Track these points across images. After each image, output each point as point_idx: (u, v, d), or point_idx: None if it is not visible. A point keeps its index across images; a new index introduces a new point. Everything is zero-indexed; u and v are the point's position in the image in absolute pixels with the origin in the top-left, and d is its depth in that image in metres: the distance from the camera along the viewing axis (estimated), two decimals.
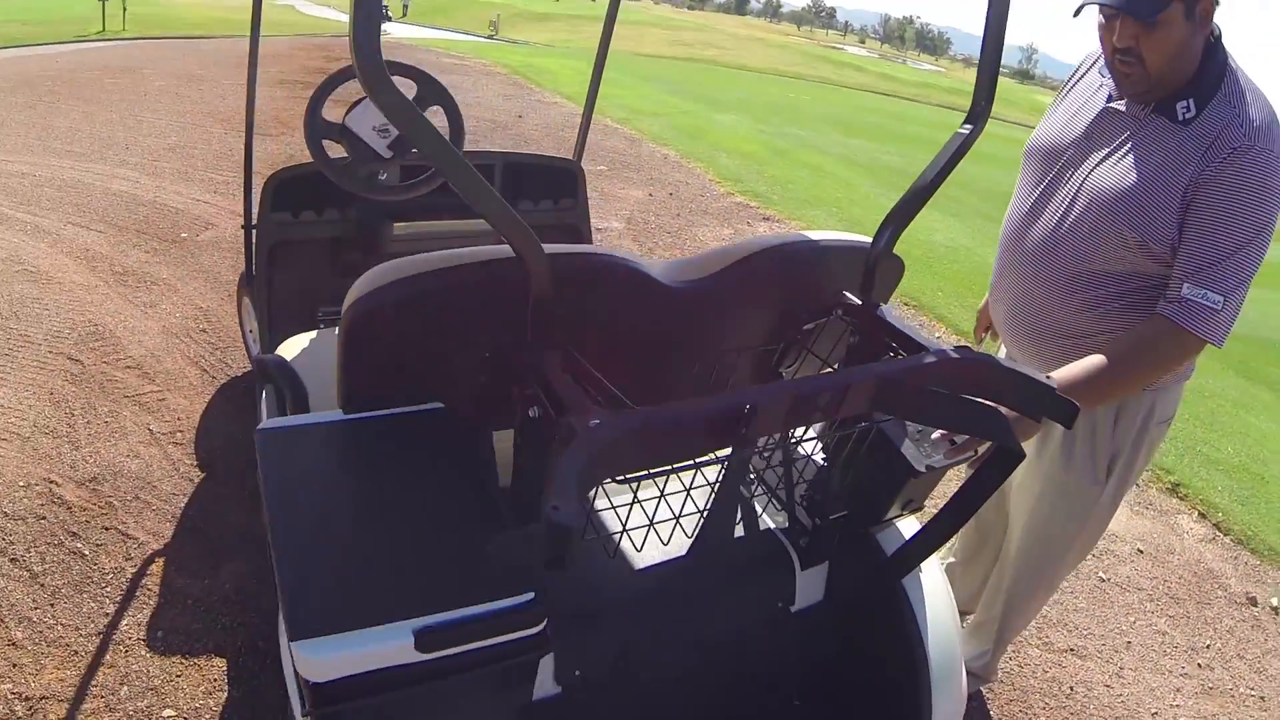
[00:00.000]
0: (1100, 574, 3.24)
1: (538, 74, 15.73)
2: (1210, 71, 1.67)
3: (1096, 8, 1.67)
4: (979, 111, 1.42)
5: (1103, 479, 1.99)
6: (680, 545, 1.59)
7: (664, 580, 1.62)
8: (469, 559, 1.03)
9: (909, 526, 1.76)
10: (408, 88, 2.37)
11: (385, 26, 34.64)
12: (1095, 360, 1.69)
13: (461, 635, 1.00)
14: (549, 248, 1.21)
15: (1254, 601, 3.30)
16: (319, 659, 0.95)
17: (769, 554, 1.73)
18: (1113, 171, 1.76)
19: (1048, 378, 1.35)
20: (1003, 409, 1.39)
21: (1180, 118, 1.68)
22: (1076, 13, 1.69)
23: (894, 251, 1.67)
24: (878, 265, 1.60)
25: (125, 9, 21.81)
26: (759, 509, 1.83)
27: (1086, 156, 1.83)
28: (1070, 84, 1.99)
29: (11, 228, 5.56)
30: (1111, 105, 1.81)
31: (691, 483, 1.47)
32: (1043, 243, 1.89)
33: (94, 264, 5.07)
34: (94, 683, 2.26)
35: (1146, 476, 4.02)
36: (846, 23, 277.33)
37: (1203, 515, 3.83)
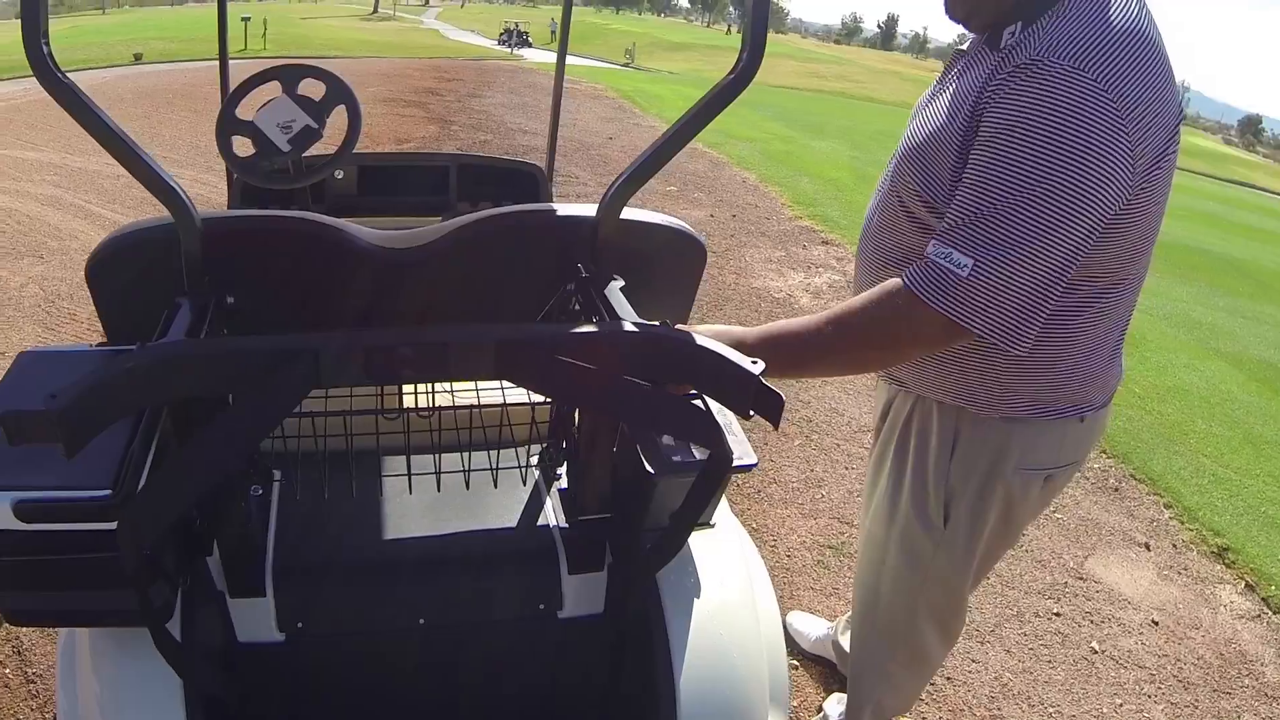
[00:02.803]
0: (1094, 643, 2.81)
1: (646, 99, 15.79)
2: None
3: None
4: (744, 63, 1.22)
5: (938, 523, 1.63)
6: (441, 525, 1.61)
7: (409, 551, 1.58)
8: (93, 456, 1.10)
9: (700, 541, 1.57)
10: (319, 88, 2.46)
11: (522, 51, 35.82)
12: (806, 318, 1.34)
13: (45, 513, 1.10)
14: (212, 213, 1.40)
15: None
16: None
17: (534, 550, 1.59)
18: (922, 118, 1.44)
19: (754, 362, 1.10)
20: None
21: (1002, 44, 1.31)
22: None
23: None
24: (600, 231, 1.47)
25: (266, 30, 23.12)
26: (549, 504, 1.69)
27: (920, 119, 1.49)
28: None
29: (94, 222, 6.11)
30: (960, 46, 1.50)
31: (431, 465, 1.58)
32: (868, 217, 1.60)
33: None
34: None
35: (1188, 536, 3.53)
36: None
37: (1250, 587, 3.31)
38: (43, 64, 1.08)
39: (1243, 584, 3.32)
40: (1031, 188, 1.17)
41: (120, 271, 1.47)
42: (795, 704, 2.41)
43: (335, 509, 1.63)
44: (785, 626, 2.65)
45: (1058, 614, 2.92)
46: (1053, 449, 1.56)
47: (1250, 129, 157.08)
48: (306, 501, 1.63)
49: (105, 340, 1.52)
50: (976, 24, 1.39)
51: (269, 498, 1.62)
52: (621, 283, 1.46)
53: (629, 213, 1.56)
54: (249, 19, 21.97)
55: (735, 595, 1.55)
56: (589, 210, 1.51)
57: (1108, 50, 1.17)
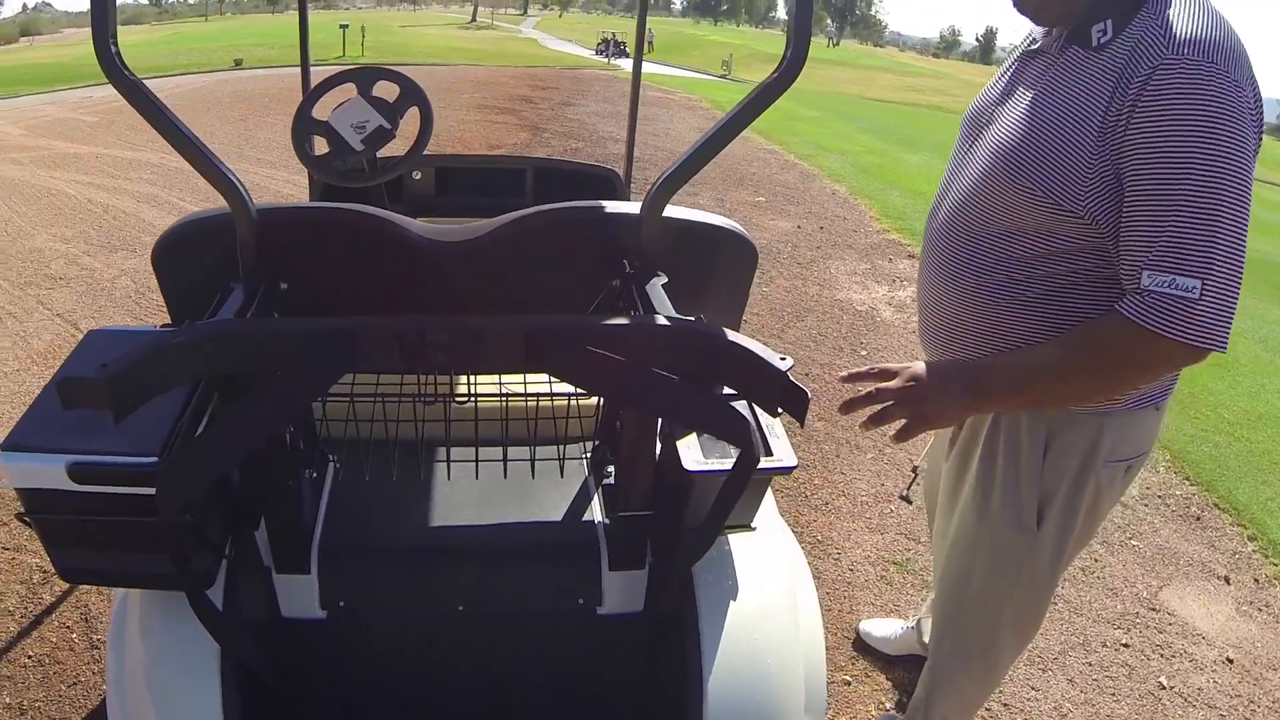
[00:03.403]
0: (1162, 678, 2.73)
1: None
2: None
3: None
4: (788, 61, 1.22)
5: (1031, 526, 1.62)
6: (488, 515, 1.65)
7: (453, 539, 1.62)
8: (146, 427, 1.20)
9: (741, 543, 1.59)
10: (392, 90, 2.54)
11: (619, 61, 36.05)
12: (1032, 356, 1.41)
13: (96, 475, 1.18)
14: (267, 204, 1.49)
15: None
16: (9, 465, 1.21)
17: (576, 544, 1.62)
18: (1018, 119, 1.46)
19: (783, 358, 1.13)
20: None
21: (1095, 43, 1.35)
22: None
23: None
24: (643, 228, 1.49)
25: (364, 37, 23.82)
26: (596, 501, 1.71)
27: (1002, 111, 1.53)
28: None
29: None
30: (1030, 49, 1.53)
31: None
32: (950, 219, 1.59)
33: None
34: None
35: (1272, 571, 3.39)
36: None
37: None
38: (111, 63, 1.18)
39: None
40: (1222, 194, 1.21)
41: (181, 257, 1.59)
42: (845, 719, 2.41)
43: (386, 495, 1.68)
44: (862, 637, 2.66)
45: (1126, 645, 2.85)
46: (1136, 438, 1.58)
47: None
48: (358, 486, 1.68)
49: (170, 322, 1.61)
50: (1048, 16, 1.44)
51: (323, 481, 1.68)
52: (664, 279, 1.48)
53: (678, 211, 1.58)
54: (347, 26, 22.66)
55: (774, 600, 1.56)
56: (633, 208, 1.54)
57: (1225, 49, 1.23)
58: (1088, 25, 1.36)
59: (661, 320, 1.23)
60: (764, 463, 1.34)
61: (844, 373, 1.50)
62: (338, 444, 1.71)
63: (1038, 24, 1.48)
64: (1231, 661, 2.87)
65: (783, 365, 1.13)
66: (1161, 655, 2.83)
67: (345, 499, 1.66)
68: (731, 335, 1.18)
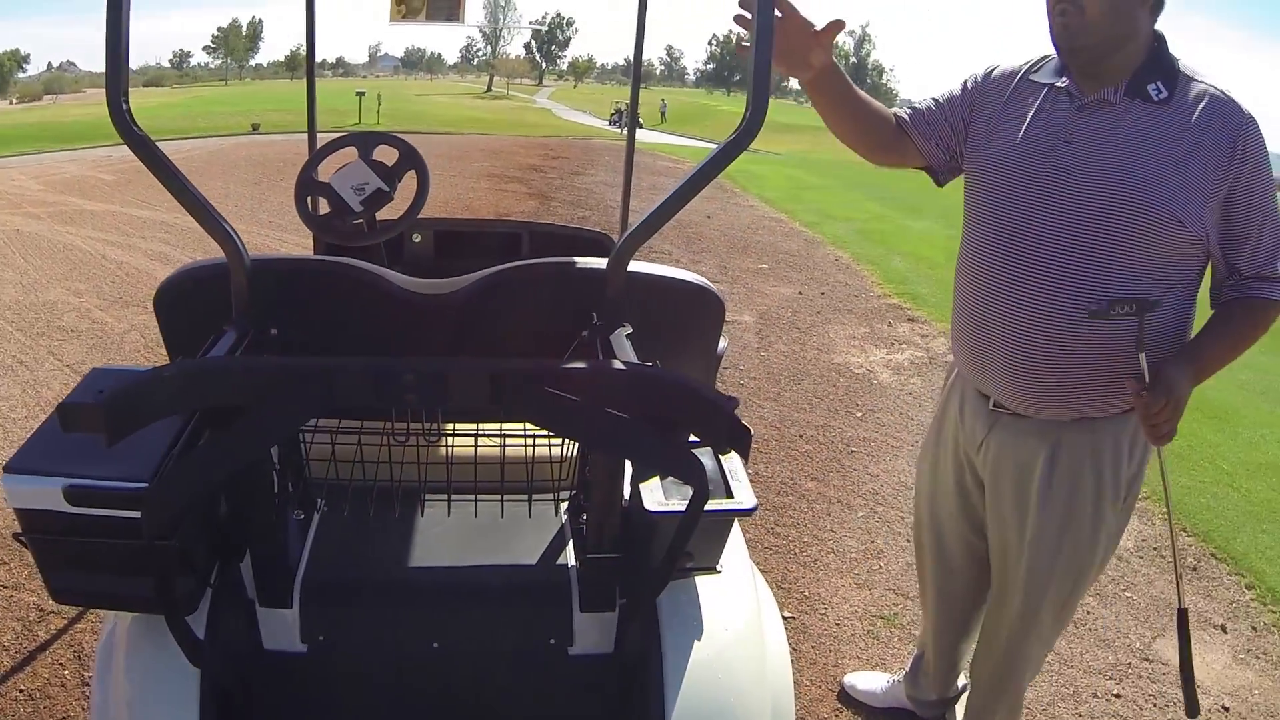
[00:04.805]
0: None
1: (747, 178, 15.97)
2: (1166, 58, 1.71)
3: None
4: (748, 121, 1.31)
5: (1120, 508, 1.92)
6: (466, 558, 1.71)
7: (432, 579, 1.68)
8: (139, 455, 1.28)
9: (707, 585, 1.62)
10: (391, 154, 2.61)
11: (640, 133, 36.67)
12: (1218, 338, 1.74)
13: (90, 498, 1.26)
14: (263, 256, 1.61)
15: None
16: (9, 487, 1.28)
17: (548, 586, 1.67)
18: (1130, 161, 1.69)
19: (730, 399, 1.22)
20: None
21: (1155, 98, 1.68)
22: None
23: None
24: (609, 282, 1.56)
25: (379, 104, 24.42)
26: (571, 546, 1.76)
27: (1085, 154, 1.72)
28: (993, 102, 1.89)
29: None
30: (1083, 102, 1.74)
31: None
32: (1057, 261, 1.74)
33: None
34: None
35: (1270, 619, 3.35)
36: None
37: None
38: (123, 119, 1.29)
39: None
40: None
41: (180, 301, 1.69)
42: None
43: (369, 536, 1.74)
44: (847, 690, 2.67)
45: (1118, 695, 2.82)
46: None
47: None
48: (343, 527, 1.74)
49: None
50: (1091, 68, 1.71)
51: (310, 520, 1.74)
52: (629, 329, 1.56)
53: (645, 267, 1.67)
54: (364, 94, 23.25)
55: (739, 642, 1.59)
56: (601, 264, 1.61)
57: None
58: (1142, 84, 1.69)
59: (617, 365, 1.32)
60: (721, 504, 1.40)
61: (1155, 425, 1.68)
62: (326, 487, 1.78)
63: (1105, 88, 1.71)
64: (1228, 709, 2.84)
65: (727, 405, 1.20)
66: (1155, 705, 2.81)
67: (330, 538, 1.72)
68: (680, 377, 1.26)
